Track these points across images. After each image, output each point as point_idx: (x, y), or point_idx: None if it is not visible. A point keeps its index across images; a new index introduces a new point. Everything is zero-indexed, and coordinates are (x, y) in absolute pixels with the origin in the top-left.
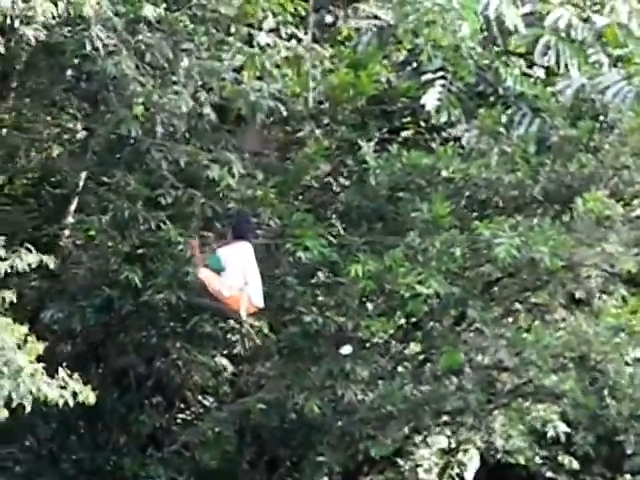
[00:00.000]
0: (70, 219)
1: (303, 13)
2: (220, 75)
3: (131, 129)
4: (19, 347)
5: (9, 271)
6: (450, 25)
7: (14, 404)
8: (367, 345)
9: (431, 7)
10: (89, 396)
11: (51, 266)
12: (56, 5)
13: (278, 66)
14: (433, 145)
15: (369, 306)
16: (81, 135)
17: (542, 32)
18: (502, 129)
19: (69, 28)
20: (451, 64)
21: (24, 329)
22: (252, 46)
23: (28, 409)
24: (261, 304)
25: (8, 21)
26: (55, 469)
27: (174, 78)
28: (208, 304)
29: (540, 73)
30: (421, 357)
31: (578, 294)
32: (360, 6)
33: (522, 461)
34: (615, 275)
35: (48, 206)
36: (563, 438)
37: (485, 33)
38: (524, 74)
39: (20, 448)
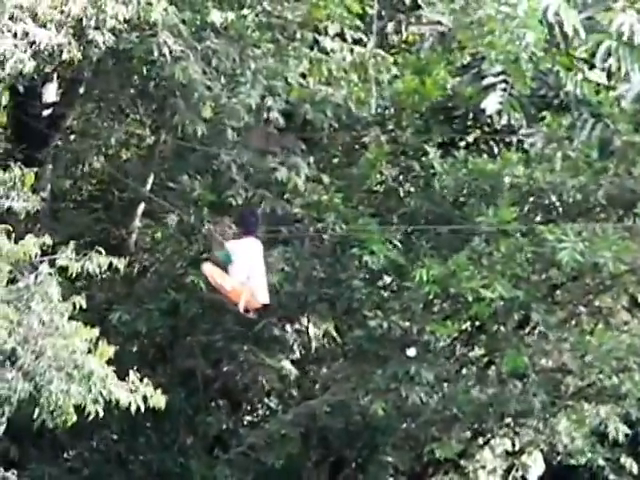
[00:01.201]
0: (137, 223)
1: (368, 18)
2: (287, 80)
3: (197, 130)
4: (90, 351)
5: (80, 272)
6: (514, 33)
7: (85, 407)
8: (432, 348)
9: (494, 15)
10: (159, 400)
11: (121, 268)
12: (126, 6)
13: (344, 71)
14: (496, 150)
15: (434, 310)
16: (149, 140)
17: (604, 37)
18: (565, 134)
19: (137, 34)
20: (512, 69)
21: (95, 332)
22: (318, 51)
23: (101, 414)
24: (266, 300)
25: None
26: (123, 470)
27: (242, 80)
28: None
29: (602, 78)
30: (485, 360)
31: None
32: (423, 13)
33: (584, 462)
34: None
35: (115, 210)
36: (623, 439)
37: (547, 38)
38: (586, 79)
39: (89, 449)
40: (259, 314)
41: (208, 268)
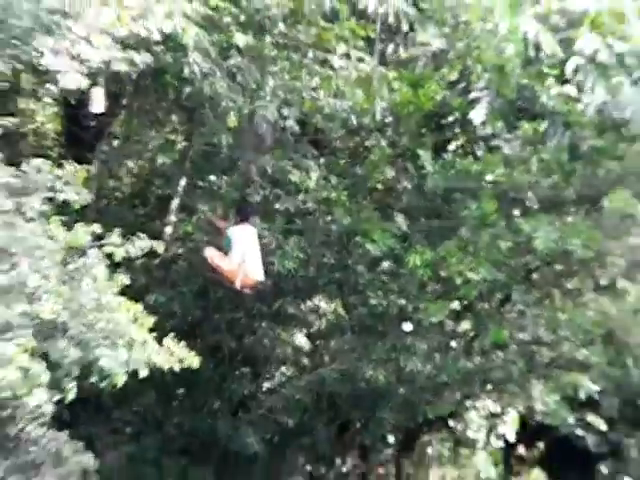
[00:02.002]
0: (172, 217)
1: (370, 40)
2: (300, 93)
3: (222, 140)
4: (133, 322)
5: (122, 257)
6: (497, 47)
7: (129, 372)
8: (425, 324)
9: (480, 33)
10: (193, 361)
11: (160, 251)
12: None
13: (350, 85)
14: (479, 153)
15: (427, 290)
16: (181, 146)
17: (572, 56)
18: (539, 139)
19: (171, 54)
20: (495, 83)
21: (138, 306)
22: (327, 68)
23: (143, 374)
24: (261, 278)
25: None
26: (159, 431)
27: (262, 94)
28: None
29: (573, 91)
30: (471, 334)
31: (605, 280)
32: (417, 35)
33: (557, 422)
34: (637, 263)
35: (152, 205)
36: (594, 398)
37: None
38: (559, 93)
39: (129, 412)
40: (266, 292)
41: (209, 251)
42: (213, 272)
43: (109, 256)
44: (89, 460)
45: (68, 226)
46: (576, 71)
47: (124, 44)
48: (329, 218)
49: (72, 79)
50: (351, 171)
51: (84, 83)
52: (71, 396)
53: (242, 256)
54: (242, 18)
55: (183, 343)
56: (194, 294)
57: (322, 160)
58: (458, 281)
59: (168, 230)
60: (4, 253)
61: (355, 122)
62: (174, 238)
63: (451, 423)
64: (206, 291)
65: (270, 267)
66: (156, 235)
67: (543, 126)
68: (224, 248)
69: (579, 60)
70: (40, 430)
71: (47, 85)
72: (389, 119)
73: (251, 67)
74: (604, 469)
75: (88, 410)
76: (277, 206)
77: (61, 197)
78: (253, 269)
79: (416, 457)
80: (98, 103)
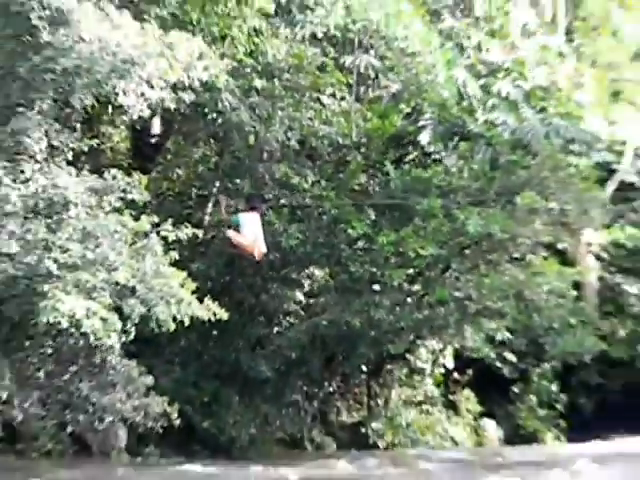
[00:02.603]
0: (209, 210)
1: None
2: (301, 122)
3: (244, 154)
4: (181, 286)
5: (174, 239)
6: (438, 90)
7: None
8: (389, 285)
9: (424, 82)
10: (223, 314)
11: (200, 234)
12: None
13: (335, 116)
14: (427, 164)
15: (390, 261)
16: (214, 159)
17: (489, 97)
18: (470, 155)
19: (209, 93)
20: (437, 115)
21: (184, 274)
22: (319, 104)
23: (187, 322)
24: (264, 249)
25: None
26: (198, 362)
27: (273, 122)
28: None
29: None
30: (421, 293)
31: (517, 254)
32: (381, 81)
33: (482, 356)
34: (539, 243)
35: (195, 202)
36: (508, 338)
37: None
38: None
39: (179, 348)
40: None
41: (231, 233)
42: (234, 247)
43: (164, 238)
44: (150, 381)
45: (135, 217)
46: (494, 105)
47: (175, 86)
48: (320, 210)
49: (138, 111)
50: (336, 177)
51: (146, 113)
52: (131, 337)
53: (253, 235)
54: (259, 68)
55: (215, 301)
56: (224, 264)
57: (315, 169)
58: (412, 255)
59: (206, 219)
60: (90, 236)
61: (339, 142)
62: (210, 224)
63: (407, 356)
64: (232, 262)
65: (279, 245)
66: (197, 223)
67: (472, 145)
68: (235, 227)
69: (495, 100)
70: (115, 359)
71: (122, 115)
72: (363, 140)
73: (265, 103)
74: (515, 389)
75: (150, 347)
76: (283, 201)
77: (130, 196)
78: (259, 244)
79: (382, 380)
80: (156, 128)
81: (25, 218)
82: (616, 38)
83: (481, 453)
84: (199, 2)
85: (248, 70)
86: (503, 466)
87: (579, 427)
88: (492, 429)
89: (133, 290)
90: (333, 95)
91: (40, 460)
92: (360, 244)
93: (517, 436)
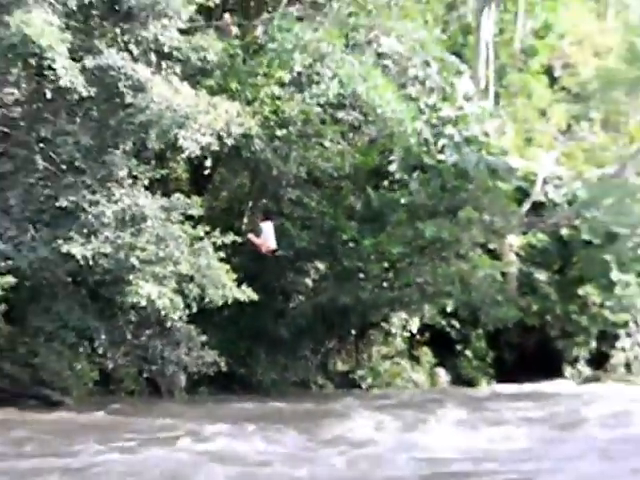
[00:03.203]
0: (245, 221)
1: (343, 133)
2: (309, 160)
3: (270, 183)
4: (225, 275)
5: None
6: (405, 137)
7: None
8: (370, 274)
9: (394, 132)
10: (254, 296)
11: (239, 239)
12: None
13: (332, 155)
14: (396, 188)
15: (370, 258)
16: (248, 185)
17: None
18: (427, 182)
19: (243, 139)
20: (403, 153)
21: (227, 267)
22: (322, 146)
23: (229, 301)
24: (274, 247)
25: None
26: (237, 327)
27: (290, 157)
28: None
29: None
30: (393, 280)
31: (460, 252)
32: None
33: (435, 322)
34: (476, 244)
35: (236, 216)
36: (453, 312)
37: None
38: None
39: (221, 318)
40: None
41: (250, 235)
42: (252, 245)
43: (214, 242)
44: (203, 340)
45: (193, 227)
46: (444, 146)
47: (219, 135)
48: (322, 221)
49: (193, 151)
50: (333, 198)
51: (199, 153)
52: (194, 310)
53: (268, 238)
54: (279, 122)
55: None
56: (255, 260)
57: (319, 192)
58: (386, 253)
59: (243, 227)
60: (161, 240)
61: (335, 174)
62: (245, 231)
63: (383, 324)
64: (260, 258)
65: (293, 245)
66: (237, 230)
67: (428, 175)
68: (257, 232)
69: (445, 141)
70: (180, 325)
71: (182, 154)
72: (352, 172)
73: (284, 146)
74: (458, 347)
75: (204, 317)
76: (296, 215)
77: (189, 212)
78: (272, 244)
79: (365, 341)
80: (207, 163)
81: (115, 228)
82: (529, 101)
83: (434, 391)
84: (236, 76)
85: (272, 123)
86: (449, 400)
87: (503, 374)
88: (442, 375)
89: (192, 278)
90: (331, 140)
91: (125, 397)
92: (350, 245)
93: (459, 380)
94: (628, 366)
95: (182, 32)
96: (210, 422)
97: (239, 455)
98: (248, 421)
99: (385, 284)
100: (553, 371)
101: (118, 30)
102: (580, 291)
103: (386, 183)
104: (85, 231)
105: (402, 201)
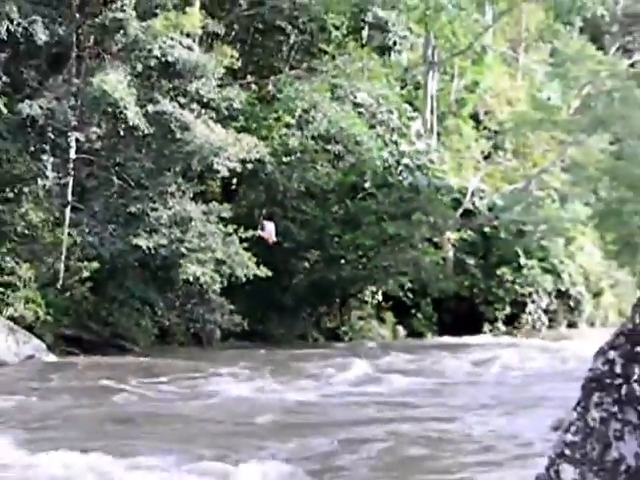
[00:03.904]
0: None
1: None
2: (306, 178)
3: (277, 195)
4: (248, 259)
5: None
6: (372, 162)
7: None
8: (349, 259)
9: (366, 158)
10: (269, 273)
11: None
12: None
13: (323, 175)
14: (367, 198)
15: (349, 248)
16: (263, 197)
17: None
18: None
19: (259, 164)
20: (373, 173)
21: (249, 254)
22: (315, 169)
23: (251, 278)
24: (275, 240)
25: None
26: (255, 297)
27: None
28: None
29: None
30: (365, 263)
31: (413, 243)
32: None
33: (396, 294)
34: (424, 238)
35: (254, 218)
36: (408, 286)
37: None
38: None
39: (246, 289)
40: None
41: (259, 231)
42: (260, 239)
43: (240, 237)
44: (233, 306)
45: (225, 225)
46: (401, 171)
47: (243, 161)
48: (316, 222)
49: (224, 172)
50: (323, 206)
51: (227, 173)
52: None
53: (270, 234)
54: (285, 152)
55: (265, 266)
56: (268, 249)
57: (313, 202)
58: (361, 245)
59: (259, 227)
60: (203, 235)
61: (325, 188)
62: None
63: (359, 295)
64: (271, 248)
65: (295, 239)
66: (255, 228)
67: (391, 190)
68: (262, 228)
69: (402, 167)
70: (216, 296)
71: (216, 174)
72: (336, 187)
73: (288, 169)
74: (412, 311)
75: (233, 289)
76: (296, 218)
77: (222, 215)
78: (272, 237)
79: (346, 307)
80: (234, 181)
81: (169, 227)
82: (462, 137)
83: (395, 342)
84: (255, 119)
85: (279, 153)
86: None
87: (444, 330)
88: (401, 330)
89: (224, 262)
90: (322, 165)
91: (177, 346)
92: (335, 239)
93: (413, 334)
94: (533, 325)
95: (216, 87)
96: (239, 363)
97: (255, 385)
98: (263, 363)
99: (360, 266)
100: (478, 328)
101: (170, 85)
102: (498, 272)
103: (361, 195)
104: (148, 229)
105: (372, 208)
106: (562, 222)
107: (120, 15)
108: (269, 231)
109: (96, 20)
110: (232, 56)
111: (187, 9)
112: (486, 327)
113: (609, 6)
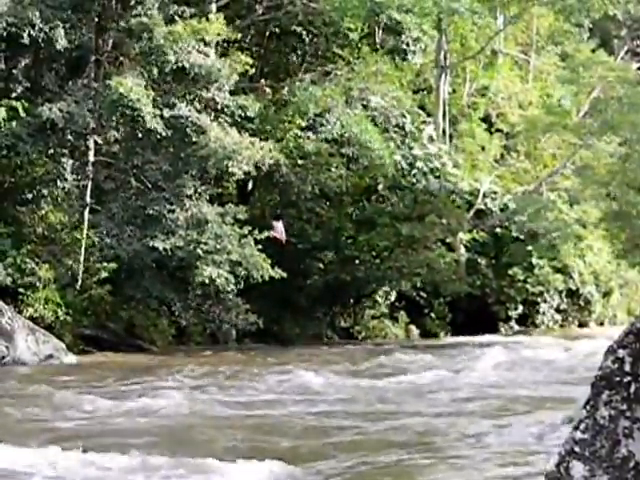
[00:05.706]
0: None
1: None
2: (321, 181)
3: (291, 197)
4: (263, 261)
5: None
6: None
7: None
8: (363, 260)
9: (379, 162)
10: (283, 274)
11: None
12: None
13: (337, 177)
14: (382, 200)
15: (364, 249)
16: (277, 199)
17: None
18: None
19: (275, 166)
20: (384, 177)
21: (263, 255)
22: (329, 172)
23: (266, 279)
24: (284, 239)
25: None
26: (270, 297)
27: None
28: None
29: None
30: (379, 264)
31: (427, 245)
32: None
33: (409, 294)
34: (437, 239)
35: (268, 219)
36: (421, 286)
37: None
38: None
39: (261, 290)
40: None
41: (272, 232)
42: (274, 240)
43: (255, 238)
44: (248, 306)
45: (240, 227)
46: (415, 174)
47: (257, 164)
48: (331, 224)
49: (239, 174)
50: (338, 207)
51: (243, 176)
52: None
53: (280, 232)
54: (300, 155)
55: (279, 268)
56: (282, 251)
57: (328, 204)
58: (375, 246)
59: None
60: (218, 237)
61: (339, 190)
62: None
63: (372, 295)
64: (285, 248)
65: (309, 240)
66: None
67: (404, 192)
68: (273, 229)
69: (415, 171)
70: (231, 296)
71: (231, 177)
72: (351, 190)
73: (302, 172)
74: (426, 310)
75: (248, 289)
76: (311, 219)
77: (237, 217)
78: (282, 237)
79: (360, 306)
80: (249, 184)
81: (186, 228)
82: (474, 140)
83: (408, 341)
84: (269, 122)
85: (294, 155)
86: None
87: (456, 330)
88: (414, 330)
89: (240, 263)
90: (336, 167)
91: (194, 346)
92: (349, 240)
93: (426, 334)
94: (546, 324)
95: (231, 92)
96: (254, 362)
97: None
98: (277, 361)
99: (374, 267)
100: (490, 328)
101: (186, 90)
102: (510, 272)
103: (374, 198)
104: (165, 231)
105: (386, 210)
106: (573, 227)
107: (145, 20)
108: (279, 230)
109: (121, 24)
110: (247, 63)
111: (210, 16)
112: (499, 326)
113: (619, 7)
